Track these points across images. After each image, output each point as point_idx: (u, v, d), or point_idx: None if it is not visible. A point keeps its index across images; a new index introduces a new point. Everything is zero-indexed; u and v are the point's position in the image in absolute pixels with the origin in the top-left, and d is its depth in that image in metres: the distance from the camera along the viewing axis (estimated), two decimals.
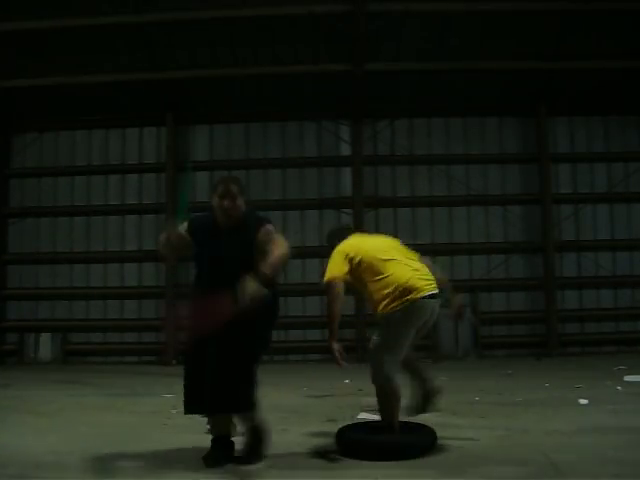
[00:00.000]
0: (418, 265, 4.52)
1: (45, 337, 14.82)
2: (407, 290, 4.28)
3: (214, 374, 3.88)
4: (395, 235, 5.03)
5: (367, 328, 13.89)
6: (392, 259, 4.45)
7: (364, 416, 5.74)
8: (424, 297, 4.32)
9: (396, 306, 4.27)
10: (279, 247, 3.92)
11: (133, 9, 12.80)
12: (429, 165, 14.86)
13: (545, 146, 14.51)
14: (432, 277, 4.47)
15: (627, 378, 8.59)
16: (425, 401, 4.65)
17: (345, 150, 14.93)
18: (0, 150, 15.26)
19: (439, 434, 4.41)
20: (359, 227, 4.74)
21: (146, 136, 15.29)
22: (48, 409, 6.67)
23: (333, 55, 13.71)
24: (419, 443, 4.24)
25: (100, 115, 14.97)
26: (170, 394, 7.87)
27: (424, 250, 4.83)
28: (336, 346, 4.25)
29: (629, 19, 12.68)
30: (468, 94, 14.37)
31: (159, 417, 6.07)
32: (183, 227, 4.23)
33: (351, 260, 4.42)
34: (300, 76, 13.95)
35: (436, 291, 4.41)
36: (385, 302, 4.31)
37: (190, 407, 4.02)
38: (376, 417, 5.69)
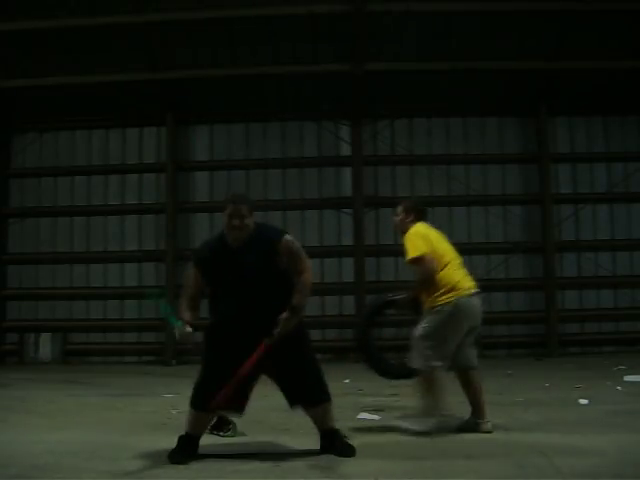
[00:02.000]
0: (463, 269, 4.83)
1: (45, 337, 14.80)
2: (457, 287, 4.59)
3: (299, 372, 4.04)
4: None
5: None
6: (449, 259, 4.73)
7: (364, 416, 5.74)
8: (471, 294, 4.65)
9: (446, 299, 4.54)
10: (307, 272, 4.00)
11: (133, 9, 12.82)
12: (429, 165, 14.85)
13: (545, 146, 14.50)
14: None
15: (627, 378, 8.58)
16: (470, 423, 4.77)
17: (345, 150, 14.91)
18: (0, 150, 15.26)
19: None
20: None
21: (146, 136, 15.27)
22: (48, 409, 6.66)
23: (333, 55, 13.72)
24: None
25: (100, 115, 14.96)
26: (170, 394, 7.87)
27: None
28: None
29: (629, 19, 12.71)
30: (468, 94, 14.36)
31: (159, 417, 6.07)
32: (190, 268, 4.19)
33: (426, 244, 4.65)
34: (300, 76, 13.96)
35: (479, 291, 4.72)
36: (436, 295, 4.57)
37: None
38: (376, 417, 5.71)
